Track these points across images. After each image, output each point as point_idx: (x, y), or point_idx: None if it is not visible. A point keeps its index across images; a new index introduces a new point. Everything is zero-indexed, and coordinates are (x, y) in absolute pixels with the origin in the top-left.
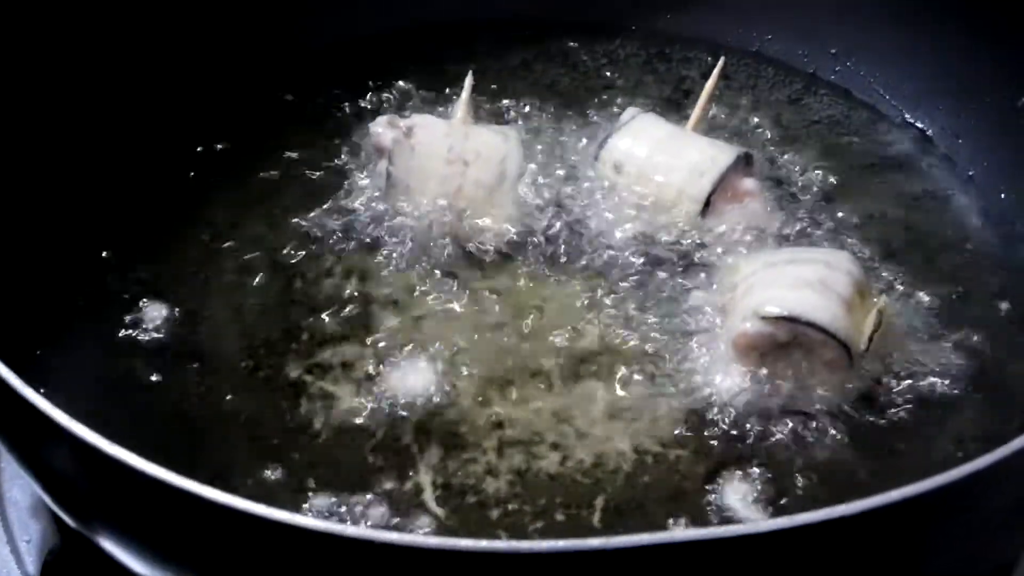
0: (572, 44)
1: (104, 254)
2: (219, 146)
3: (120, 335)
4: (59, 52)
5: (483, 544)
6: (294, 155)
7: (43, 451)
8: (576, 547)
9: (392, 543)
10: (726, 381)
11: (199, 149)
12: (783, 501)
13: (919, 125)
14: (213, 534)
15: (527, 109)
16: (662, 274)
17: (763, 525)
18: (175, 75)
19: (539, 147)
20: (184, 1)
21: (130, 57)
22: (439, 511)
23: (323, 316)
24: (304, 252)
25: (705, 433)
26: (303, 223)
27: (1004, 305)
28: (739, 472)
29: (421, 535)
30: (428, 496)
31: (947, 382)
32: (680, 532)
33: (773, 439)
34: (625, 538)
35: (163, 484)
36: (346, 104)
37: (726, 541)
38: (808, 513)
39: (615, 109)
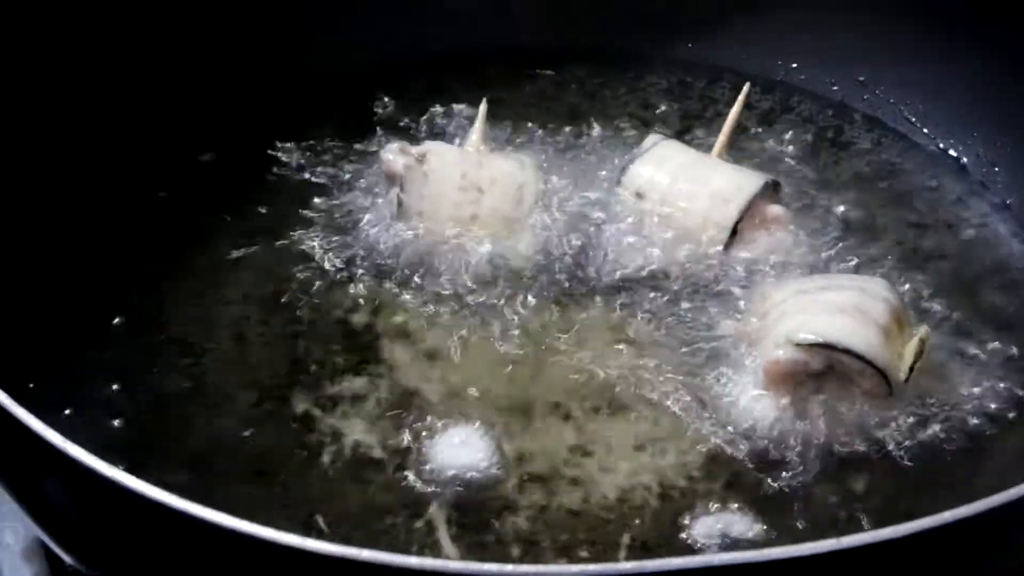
0: (590, 74)
1: (104, 282)
2: (226, 174)
3: (120, 367)
4: (62, 75)
5: (508, 568)
6: (301, 183)
7: (41, 481)
8: (607, 571)
9: (411, 568)
10: (757, 412)
11: (204, 175)
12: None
13: (953, 153)
14: (220, 564)
15: (544, 136)
16: (688, 303)
17: (807, 548)
18: (181, 98)
19: (557, 175)
20: (193, 25)
21: (138, 81)
22: (454, 549)
23: (331, 348)
24: (311, 282)
25: (735, 467)
26: (310, 252)
27: None
28: (773, 506)
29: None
30: (442, 533)
31: (990, 415)
32: (719, 555)
33: (808, 472)
34: (660, 561)
35: (167, 508)
36: (356, 132)
37: (769, 565)
38: (853, 536)
39: (636, 136)
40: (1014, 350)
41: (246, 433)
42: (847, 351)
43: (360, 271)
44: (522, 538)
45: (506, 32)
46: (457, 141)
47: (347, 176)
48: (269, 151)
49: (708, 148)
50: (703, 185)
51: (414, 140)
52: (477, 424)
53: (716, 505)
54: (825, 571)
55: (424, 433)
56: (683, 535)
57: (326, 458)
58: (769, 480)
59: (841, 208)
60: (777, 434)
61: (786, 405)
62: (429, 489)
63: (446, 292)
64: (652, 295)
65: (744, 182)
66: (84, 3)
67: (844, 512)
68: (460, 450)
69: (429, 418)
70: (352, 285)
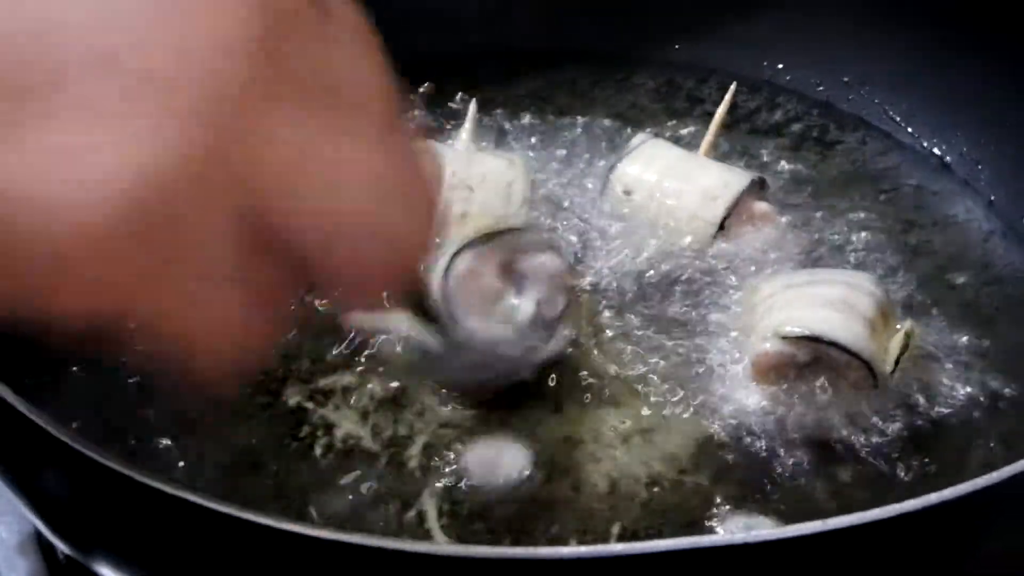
0: (580, 74)
1: None
2: None
3: (112, 360)
4: None
5: (499, 552)
6: None
7: (39, 471)
8: (598, 553)
9: (404, 551)
10: (745, 404)
11: None
12: None
13: (937, 152)
14: (216, 550)
15: (534, 135)
16: (676, 298)
17: (795, 529)
18: None
19: (546, 173)
20: None
21: None
22: (445, 539)
23: (323, 342)
24: None
25: (724, 458)
26: None
27: None
28: (760, 497)
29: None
30: (433, 524)
31: (974, 406)
32: (707, 537)
33: (795, 463)
34: (650, 544)
35: (163, 494)
36: None
37: (757, 546)
38: (840, 517)
39: (624, 136)
40: (997, 343)
41: (240, 425)
42: (834, 344)
43: None
44: (513, 528)
45: (497, 33)
46: (448, 141)
47: None
48: None
49: (695, 147)
50: (691, 182)
51: None
52: (467, 417)
53: (704, 495)
54: (813, 553)
55: (415, 425)
56: (672, 524)
57: (319, 450)
58: (757, 470)
59: (826, 204)
60: (765, 425)
61: (773, 397)
62: (420, 480)
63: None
64: (640, 290)
65: (731, 179)
66: None
67: (832, 502)
68: (451, 442)
69: (420, 411)
70: None
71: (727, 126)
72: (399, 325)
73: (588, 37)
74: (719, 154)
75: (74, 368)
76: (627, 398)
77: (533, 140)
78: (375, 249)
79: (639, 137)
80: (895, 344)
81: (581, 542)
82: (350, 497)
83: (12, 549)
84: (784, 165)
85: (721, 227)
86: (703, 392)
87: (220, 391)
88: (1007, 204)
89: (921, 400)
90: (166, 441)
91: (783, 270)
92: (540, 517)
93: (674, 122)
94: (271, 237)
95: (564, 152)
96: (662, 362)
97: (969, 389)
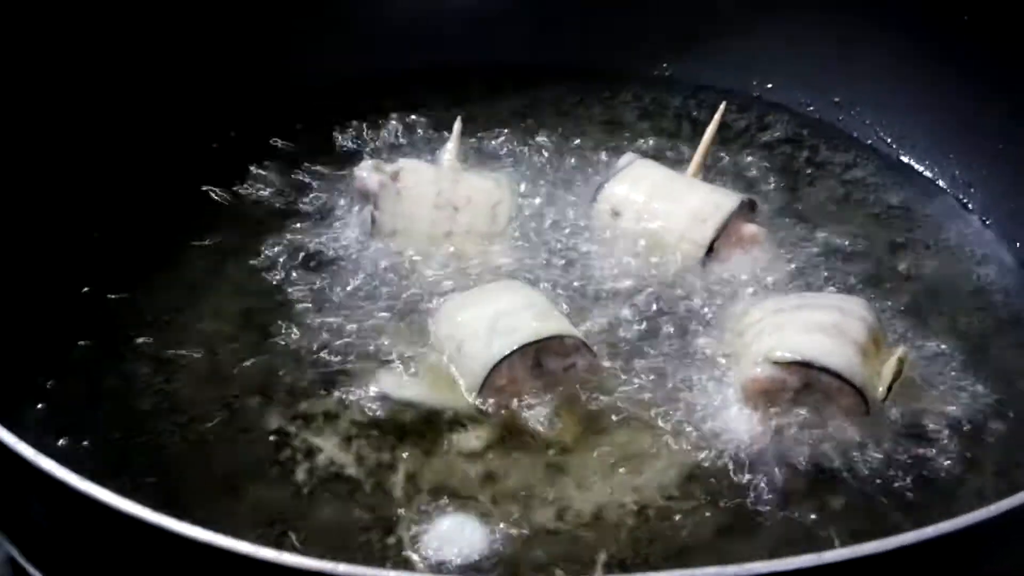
0: (566, 92)
1: (79, 297)
2: (200, 190)
3: (93, 385)
4: (49, 86)
5: None
6: (275, 200)
7: (14, 496)
8: None
9: None
10: (735, 429)
11: (179, 193)
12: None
13: (928, 174)
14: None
15: (520, 154)
16: (664, 320)
17: (790, 563)
18: (157, 115)
19: (533, 193)
20: (177, 37)
21: (120, 99)
22: (427, 568)
23: (304, 365)
24: (283, 300)
25: (713, 485)
26: (282, 269)
27: (1022, 355)
28: (750, 525)
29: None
30: (416, 551)
31: (967, 433)
32: (701, 570)
33: (786, 490)
34: None
35: (141, 522)
36: (331, 148)
37: None
38: (834, 551)
39: (612, 155)
40: (990, 368)
41: (219, 449)
42: (825, 369)
43: (332, 288)
44: (498, 556)
45: (483, 51)
46: (431, 158)
47: (320, 193)
48: (246, 168)
49: (683, 167)
50: (679, 204)
51: (389, 158)
52: (452, 442)
53: (693, 523)
54: None
55: (396, 451)
56: (660, 553)
57: (300, 475)
58: (747, 497)
59: (817, 227)
60: (755, 452)
61: (764, 423)
62: (402, 507)
63: (419, 310)
64: (628, 312)
65: (721, 201)
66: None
67: (823, 531)
68: (434, 468)
69: (402, 437)
70: (324, 302)
71: (716, 145)
72: (421, 395)
73: (574, 54)
74: (708, 174)
75: (48, 396)
76: (614, 425)
77: (519, 159)
78: None
79: (626, 157)
80: (888, 370)
81: (567, 570)
82: (330, 523)
83: None
84: (773, 186)
85: (710, 249)
86: (692, 418)
87: None
88: (1001, 227)
89: (914, 426)
90: (143, 467)
91: (773, 294)
92: (526, 544)
93: (662, 141)
94: None
95: (550, 172)
96: (649, 388)
97: (962, 415)
